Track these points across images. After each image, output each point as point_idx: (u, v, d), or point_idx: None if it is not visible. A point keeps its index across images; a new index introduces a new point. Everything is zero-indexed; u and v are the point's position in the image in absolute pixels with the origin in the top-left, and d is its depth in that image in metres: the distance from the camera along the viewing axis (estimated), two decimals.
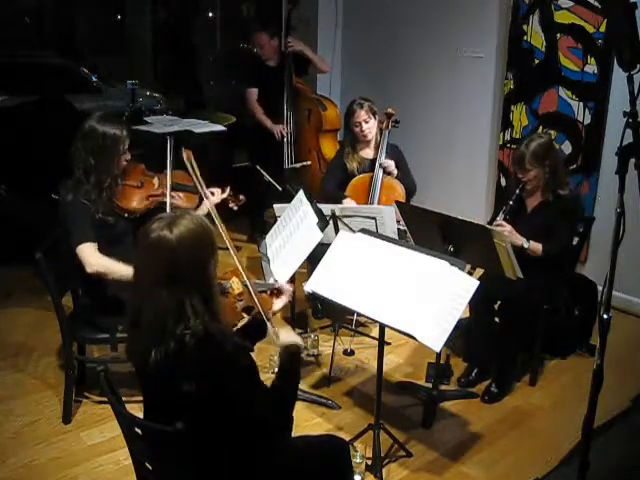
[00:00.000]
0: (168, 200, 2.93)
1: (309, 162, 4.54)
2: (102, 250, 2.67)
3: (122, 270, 2.55)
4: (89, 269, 2.61)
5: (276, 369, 3.22)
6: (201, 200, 3.07)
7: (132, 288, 1.65)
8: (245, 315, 2.11)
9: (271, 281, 2.35)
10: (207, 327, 1.58)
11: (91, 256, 2.61)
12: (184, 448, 1.60)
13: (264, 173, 3.72)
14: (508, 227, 2.99)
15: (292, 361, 1.85)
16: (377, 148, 3.68)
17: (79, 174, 2.70)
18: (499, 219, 3.03)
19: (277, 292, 2.22)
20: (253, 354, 1.76)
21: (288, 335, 1.89)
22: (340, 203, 3.47)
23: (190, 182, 3.18)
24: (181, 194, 3.07)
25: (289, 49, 4.53)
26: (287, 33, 4.63)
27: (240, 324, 2.07)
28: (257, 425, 1.71)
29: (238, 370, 1.62)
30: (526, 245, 2.99)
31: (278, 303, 2.20)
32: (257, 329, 2.09)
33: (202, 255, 1.63)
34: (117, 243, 2.75)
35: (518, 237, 2.99)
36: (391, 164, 3.62)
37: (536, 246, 3.00)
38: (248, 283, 2.06)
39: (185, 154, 2.27)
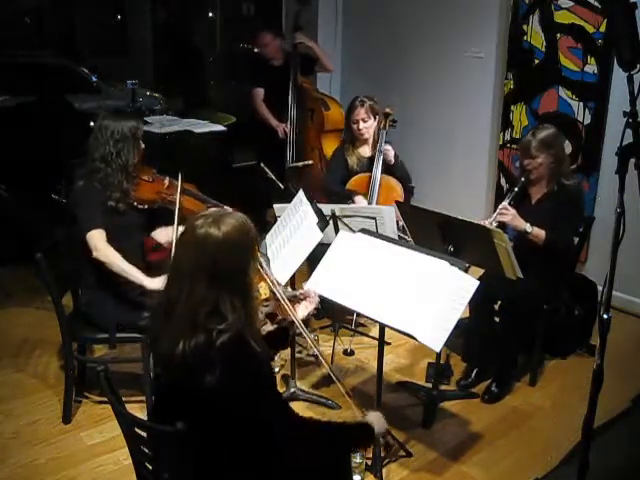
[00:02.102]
0: (178, 197, 2.96)
1: (311, 161, 4.54)
2: (110, 241, 2.69)
3: (123, 266, 2.65)
4: (95, 253, 2.65)
5: (276, 369, 3.25)
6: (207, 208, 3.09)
7: (170, 277, 1.65)
8: (268, 321, 2.11)
9: (297, 293, 2.34)
10: (240, 328, 1.58)
11: (99, 243, 2.66)
12: (185, 448, 1.60)
13: (267, 171, 3.72)
14: (512, 211, 3.00)
15: (362, 436, 1.86)
16: (375, 147, 3.69)
17: (94, 165, 2.72)
18: (504, 204, 3.04)
19: (299, 300, 2.22)
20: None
21: (377, 417, 1.91)
22: (350, 201, 3.52)
23: (198, 192, 3.21)
24: (189, 199, 3.11)
25: (296, 42, 4.51)
26: (294, 32, 4.62)
27: (264, 330, 2.07)
28: (261, 427, 1.71)
29: (261, 375, 1.64)
30: (529, 230, 2.98)
31: (302, 311, 2.19)
32: (280, 338, 2.09)
33: (245, 254, 1.64)
34: (125, 236, 2.77)
35: (521, 221, 3.00)
36: (391, 151, 3.62)
37: (539, 232, 2.99)
38: (276, 290, 2.07)
39: None
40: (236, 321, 1.58)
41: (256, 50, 4.72)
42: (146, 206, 2.91)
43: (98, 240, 2.66)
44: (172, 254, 1.68)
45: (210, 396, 1.56)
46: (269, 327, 2.09)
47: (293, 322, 2.12)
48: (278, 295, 2.07)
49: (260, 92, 4.64)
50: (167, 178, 3.08)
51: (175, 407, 1.64)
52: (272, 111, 4.64)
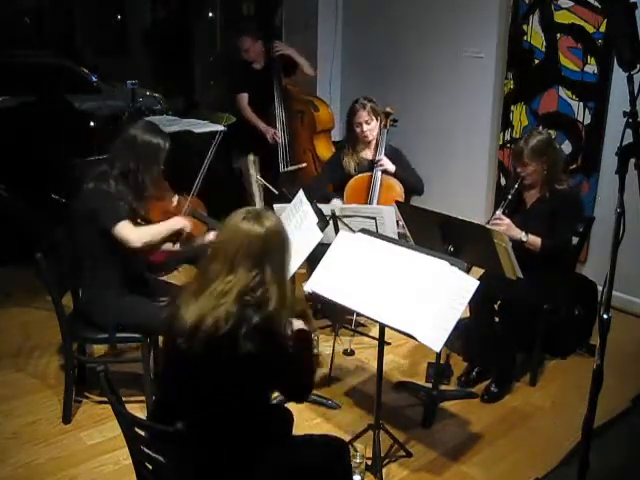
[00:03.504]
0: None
1: (304, 164, 4.54)
2: (115, 246, 2.67)
3: (162, 229, 2.72)
4: (135, 244, 2.64)
5: None
6: (208, 231, 3.07)
7: (210, 259, 1.76)
8: None
9: None
10: (274, 309, 1.70)
11: (131, 232, 2.64)
12: (185, 447, 1.60)
13: (259, 178, 3.72)
14: (507, 220, 3.00)
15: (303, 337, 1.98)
16: (376, 148, 3.68)
17: (112, 173, 2.69)
18: (498, 213, 3.04)
19: None
20: None
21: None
22: (327, 202, 3.49)
23: (203, 209, 3.19)
24: (194, 221, 3.07)
25: (276, 53, 4.53)
26: (274, 35, 4.62)
27: None
28: (260, 425, 1.72)
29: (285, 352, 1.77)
30: (525, 239, 2.99)
31: None
32: None
33: (285, 247, 1.81)
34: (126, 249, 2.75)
35: (517, 231, 3.00)
36: (386, 161, 3.62)
37: (535, 240, 3.00)
38: None
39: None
40: (273, 302, 1.70)
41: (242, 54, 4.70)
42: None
43: (129, 232, 2.63)
44: (215, 240, 1.88)
45: (243, 359, 1.64)
46: None
47: None
48: None
49: (244, 97, 4.62)
50: (176, 196, 3.05)
51: (194, 385, 1.69)
52: (259, 115, 4.61)
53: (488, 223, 3.03)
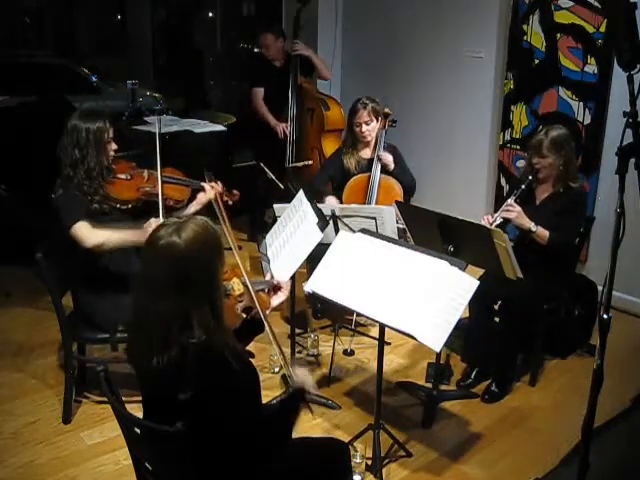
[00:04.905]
0: (159, 189, 2.90)
1: (311, 161, 4.54)
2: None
3: (119, 236, 2.63)
4: (87, 243, 2.62)
5: (276, 369, 3.25)
6: (194, 193, 3.05)
7: (137, 290, 1.63)
8: (245, 316, 2.12)
9: (268, 278, 2.37)
10: (212, 338, 1.58)
11: (86, 232, 2.63)
12: (183, 448, 1.60)
13: (267, 170, 3.72)
14: (518, 208, 2.99)
15: (295, 400, 1.86)
16: (375, 148, 3.68)
17: (67, 170, 2.73)
18: (510, 201, 3.03)
19: (275, 289, 2.24)
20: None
21: (303, 375, 1.92)
22: (322, 200, 3.50)
23: (180, 175, 3.16)
24: (172, 187, 3.06)
25: (295, 52, 4.54)
26: (296, 33, 4.64)
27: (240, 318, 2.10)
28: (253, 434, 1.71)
29: (237, 388, 1.62)
30: (534, 229, 2.99)
31: (276, 300, 2.23)
32: (255, 325, 2.11)
33: (210, 258, 1.62)
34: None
35: (526, 220, 2.99)
36: (388, 157, 3.62)
37: (543, 232, 2.99)
38: (248, 283, 2.07)
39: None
40: (208, 330, 1.57)
41: (256, 50, 4.73)
42: (130, 205, 2.87)
43: (84, 232, 2.63)
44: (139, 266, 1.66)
45: (189, 408, 1.55)
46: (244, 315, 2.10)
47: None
48: (251, 291, 2.07)
49: (260, 92, 4.66)
50: (146, 170, 3.02)
51: (162, 414, 1.63)
52: (271, 111, 4.65)
53: (496, 212, 3.04)
